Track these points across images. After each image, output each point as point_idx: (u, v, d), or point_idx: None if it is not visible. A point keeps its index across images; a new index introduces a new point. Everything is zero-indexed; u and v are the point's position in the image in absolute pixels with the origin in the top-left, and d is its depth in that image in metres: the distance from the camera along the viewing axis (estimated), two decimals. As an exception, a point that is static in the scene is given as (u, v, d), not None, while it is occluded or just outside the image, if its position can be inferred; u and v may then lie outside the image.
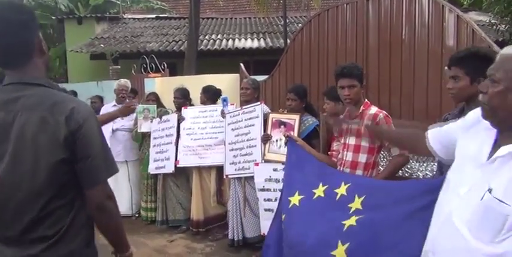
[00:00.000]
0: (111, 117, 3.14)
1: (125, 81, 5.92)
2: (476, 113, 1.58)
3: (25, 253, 1.49)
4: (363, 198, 2.39)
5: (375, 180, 2.80)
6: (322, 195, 2.66)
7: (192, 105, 5.35)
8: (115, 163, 1.64)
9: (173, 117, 5.11)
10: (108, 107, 5.78)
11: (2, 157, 1.48)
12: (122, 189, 5.64)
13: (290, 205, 2.82)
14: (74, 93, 7.80)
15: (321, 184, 2.71)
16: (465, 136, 1.61)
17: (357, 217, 2.32)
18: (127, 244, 1.73)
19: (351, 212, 2.40)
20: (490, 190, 1.33)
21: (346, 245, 2.27)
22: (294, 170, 3.07)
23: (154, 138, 5.27)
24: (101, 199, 1.58)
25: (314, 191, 2.72)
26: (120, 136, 5.66)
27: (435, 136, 1.80)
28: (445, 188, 1.59)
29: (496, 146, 1.42)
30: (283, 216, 2.87)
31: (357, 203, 2.40)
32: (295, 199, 2.82)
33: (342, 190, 2.55)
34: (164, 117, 5.20)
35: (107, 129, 5.57)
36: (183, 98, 5.26)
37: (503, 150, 1.36)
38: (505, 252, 1.30)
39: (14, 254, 1.49)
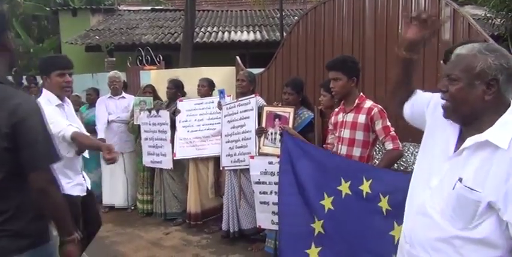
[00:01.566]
0: (92, 145, 3.02)
1: (115, 73, 5.89)
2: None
3: None
4: (387, 197, 2.39)
5: (393, 173, 2.74)
6: (350, 192, 2.60)
7: (184, 96, 5.35)
8: (57, 154, 1.81)
9: (164, 113, 5.09)
10: (103, 99, 5.75)
11: None
12: (118, 181, 5.65)
13: (326, 210, 2.72)
14: None
15: (343, 180, 2.65)
16: (432, 125, 1.66)
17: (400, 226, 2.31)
18: (69, 230, 1.90)
19: (385, 215, 2.39)
20: (460, 179, 1.41)
21: None
22: (302, 167, 2.96)
23: (145, 131, 5.27)
24: (39, 184, 1.75)
25: (339, 188, 2.66)
26: (116, 128, 5.65)
27: (414, 99, 1.83)
28: (414, 181, 1.66)
29: (461, 139, 1.50)
30: (320, 222, 2.73)
31: (384, 203, 2.40)
32: (327, 203, 2.71)
33: (365, 187, 2.52)
34: (153, 112, 5.17)
35: (102, 121, 5.56)
36: (175, 88, 5.28)
37: (469, 141, 1.44)
38: (485, 237, 1.39)
39: None
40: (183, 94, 5.42)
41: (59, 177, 2.86)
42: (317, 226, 2.74)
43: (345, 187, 2.65)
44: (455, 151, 1.49)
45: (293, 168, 3.03)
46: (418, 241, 1.54)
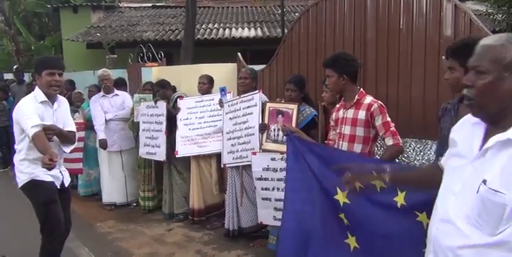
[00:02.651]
0: (40, 151, 2.95)
1: (103, 71, 5.87)
2: (461, 120, 1.59)
3: None
4: (404, 193, 2.36)
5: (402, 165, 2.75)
6: (362, 186, 2.62)
7: (175, 93, 5.39)
8: None
9: (162, 104, 5.10)
10: (97, 99, 5.69)
11: None
12: (116, 178, 5.67)
13: (341, 204, 2.71)
14: (72, 82, 7.78)
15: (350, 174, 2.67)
16: (454, 141, 1.58)
17: (423, 214, 2.29)
18: None
19: (400, 208, 2.37)
20: (484, 181, 1.31)
21: None
22: (309, 164, 2.98)
23: (144, 122, 5.30)
24: None
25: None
26: (114, 126, 5.65)
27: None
28: (441, 188, 1.57)
29: (486, 139, 1.39)
30: (343, 214, 2.72)
31: (401, 198, 2.37)
32: (341, 197, 2.70)
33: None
34: (151, 103, 5.18)
35: (100, 121, 5.57)
36: (161, 89, 5.25)
37: (491, 141, 1.34)
38: (502, 242, 1.29)
39: None
40: (174, 91, 5.47)
41: (30, 164, 3.16)
42: (343, 217, 2.73)
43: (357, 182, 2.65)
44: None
45: (300, 165, 3.05)
46: (441, 248, 1.45)
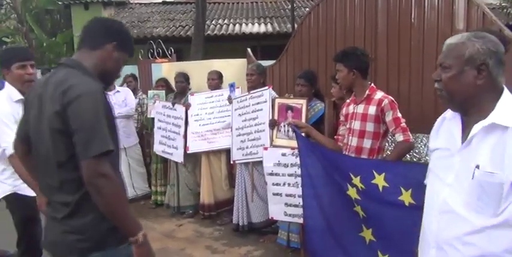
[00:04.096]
0: (26, 183, 2.70)
1: None
2: (437, 121, 1.71)
3: (53, 215, 1.72)
4: (410, 191, 2.35)
5: (406, 165, 2.75)
6: (364, 187, 2.61)
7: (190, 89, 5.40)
8: (108, 141, 1.61)
9: (180, 108, 5.12)
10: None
11: (34, 124, 1.72)
12: (123, 175, 5.70)
13: (354, 200, 2.75)
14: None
15: (352, 175, 2.66)
16: (433, 139, 1.70)
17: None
18: (129, 229, 1.65)
19: (408, 206, 2.35)
20: (477, 166, 1.42)
21: None
22: (318, 160, 3.03)
23: (159, 120, 5.34)
24: (88, 175, 1.56)
25: (354, 182, 2.67)
26: (117, 123, 5.66)
27: None
28: (429, 185, 1.66)
29: (465, 131, 1.52)
30: (358, 207, 2.75)
31: (407, 197, 2.36)
32: (352, 193, 2.73)
33: (379, 180, 2.50)
34: (168, 104, 5.21)
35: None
36: (185, 82, 5.34)
37: (475, 128, 1.45)
38: (505, 220, 1.38)
39: (50, 214, 1.75)
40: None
41: (12, 175, 2.81)
42: (358, 210, 2.76)
43: (357, 182, 2.65)
44: (463, 143, 1.50)
45: (312, 161, 3.08)
46: (445, 240, 1.51)
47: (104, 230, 1.66)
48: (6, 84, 2.92)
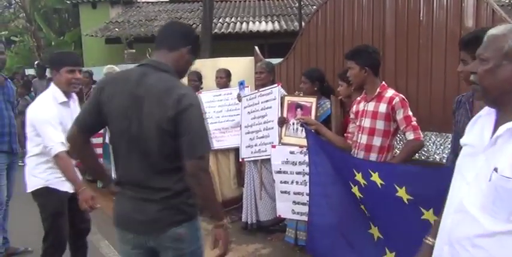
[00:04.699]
0: (69, 180, 2.92)
1: (108, 67, 5.93)
2: (474, 117, 1.62)
3: (147, 197, 1.98)
4: (404, 188, 2.37)
5: (393, 165, 2.79)
6: (366, 183, 2.63)
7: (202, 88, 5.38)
8: (208, 145, 2.02)
9: None
10: None
11: (132, 120, 1.94)
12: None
13: (358, 198, 2.77)
14: (91, 74, 7.85)
15: (355, 171, 2.69)
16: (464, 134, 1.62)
17: (430, 211, 2.31)
18: (218, 215, 2.07)
19: (407, 203, 2.38)
20: (496, 169, 1.34)
21: None
22: (326, 158, 3.06)
23: None
24: (193, 171, 1.90)
25: (357, 179, 2.69)
26: None
27: None
28: (453, 180, 1.59)
29: (497, 127, 1.43)
30: (362, 206, 2.78)
31: (403, 193, 2.39)
32: (356, 191, 2.75)
33: (376, 178, 2.53)
34: None
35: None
36: (198, 81, 5.32)
37: (501, 129, 1.38)
38: None
39: (142, 197, 2.00)
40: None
41: (47, 170, 3.01)
42: (364, 208, 2.78)
43: (360, 178, 2.68)
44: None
45: (320, 159, 3.09)
46: (456, 239, 1.46)
47: (192, 205, 2.04)
48: (52, 84, 3.08)
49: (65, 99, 3.03)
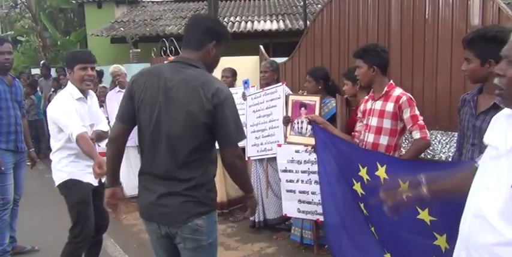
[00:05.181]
0: (88, 155, 2.99)
1: (114, 67, 5.92)
2: (501, 112, 1.52)
3: (170, 190, 2.08)
4: (407, 184, 2.38)
5: (403, 159, 2.80)
6: (369, 178, 2.64)
7: None
8: (243, 134, 2.16)
9: None
10: (113, 95, 5.75)
11: (162, 113, 2.05)
12: (134, 172, 5.72)
13: (360, 195, 2.79)
14: (101, 73, 7.89)
15: (360, 166, 2.70)
16: (488, 131, 1.53)
17: (425, 211, 2.33)
18: (249, 189, 2.33)
19: (406, 200, 2.38)
20: None
21: (444, 235, 2.31)
22: (332, 153, 3.08)
23: None
24: (231, 158, 2.09)
25: (360, 174, 2.71)
26: None
27: None
28: (474, 182, 1.50)
29: None
30: (362, 204, 2.82)
31: (404, 188, 2.38)
32: (358, 188, 2.78)
33: (381, 172, 2.54)
34: None
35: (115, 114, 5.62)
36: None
37: None
38: None
39: (163, 191, 2.08)
40: None
41: (69, 163, 3.15)
42: (362, 207, 2.80)
43: (363, 173, 2.69)
44: None
45: (328, 157, 3.11)
46: (474, 246, 1.39)
47: (213, 198, 2.17)
48: (69, 83, 3.24)
49: (81, 95, 3.17)
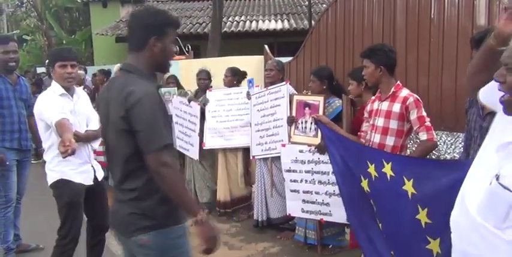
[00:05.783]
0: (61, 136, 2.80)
1: (118, 66, 5.95)
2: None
3: (121, 198, 1.99)
4: (412, 181, 2.38)
5: (408, 157, 2.81)
6: (377, 175, 2.64)
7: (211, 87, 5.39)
8: (163, 138, 1.86)
9: (195, 106, 5.13)
10: None
11: (105, 125, 2.01)
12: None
13: (366, 192, 2.80)
14: (108, 72, 7.91)
15: (368, 163, 2.71)
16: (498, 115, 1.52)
17: (424, 211, 2.32)
18: (190, 210, 1.91)
19: (411, 198, 2.39)
20: (497, 176, 1.28)
21: (438, 239, 2.28)
22: (340, 152, 3.09)
23: (177, 115, 5.32)
24: (153, 167, 1.83)
25: (369, 171, 2.71)
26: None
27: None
28: (471, 167, 1.53)
29: None
30: (371, 200, 2.82)
31: (409, 186, 2.39)
32: (365, 185, 2.78)
33: (387, 169, 2.54)
34: (184, 100, 5.22)
35: None
36: (208, 79, 5.32)
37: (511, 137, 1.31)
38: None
39: (118, 198, 2.03)
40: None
41: (60, 163, 3.07)
42: (372, 203, 2.81)
43: (372, 170, 2.69)
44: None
45: (336, 155, 3.12)
46: (456, 227, 1.47)
47: (164, 211, 1.93)
48: (53, 81, 3.23)
49: (63, 91, 3.13)
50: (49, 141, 3.13)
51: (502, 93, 1.39)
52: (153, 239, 1.91)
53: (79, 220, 3.15)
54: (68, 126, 2.83)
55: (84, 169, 3.18)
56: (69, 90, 3.18)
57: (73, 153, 2.51)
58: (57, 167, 3.13)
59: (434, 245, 2.30)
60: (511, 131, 1.37)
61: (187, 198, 1.95)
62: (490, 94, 1.57)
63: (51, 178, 3.16)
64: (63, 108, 3.03)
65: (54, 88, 3.15)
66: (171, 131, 1.97)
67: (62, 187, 3.11)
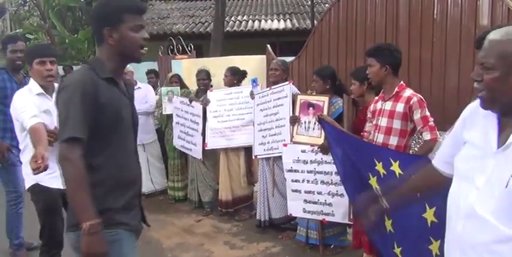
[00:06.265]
0: (36, 143, 2.64)
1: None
2: (470, 107, 1.56)
3: None
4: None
5: (414, 155, 2.83)
6: (385, 173, 2.65)
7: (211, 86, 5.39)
8: (69, 130, 1.69)
9: (197, 106, 5.13)
10: None
11: None
12: (152, 169, 5.78)
13: (375, 189, 2.75)
14: None
15: (376, 160, 2.72)
16: (467, 128, 1.54)
17: (432, 209, 2.34)
18: (80, 214, 1.69)
19: (419, 196, 2.39)
20: None
21: (439, 241, 2.30)
22: (345, 150, 3.09)
23: (177, 115, 5.34)
24: (58, 157, 1.72)
25: (377, 169, 2.72)
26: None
27: (443, 159, 1.69)
28: (455, 183, 1.52)
29: (502, 132, 1.37)
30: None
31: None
32: (373, 182, 2.78)
33: (395, 167, 2.56)
34: (185, 100, 5.22)
35: None
36: (208, 79, 5.33)
37: None
38: None
39: None
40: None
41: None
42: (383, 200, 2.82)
43: (380, 167, 2.69)
44: (498, 146, 1.36)
45: (340, 154, 3.13)
46: (470, 245, 1.40)
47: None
48: (31, 79, 3.05)
49: (41, 91, 2.94)
50: (24, 143, 2.99)
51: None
52: (79, 239, 1.71)
53: (58, 224, 3.00)
54: (42, 134, 2.64)
55: (60, 173, 3.05)
56: (48, 89, 2.99)
57: (45, 169, 2.33)
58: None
59: (434, 246, 2.30)
60: (494, 133, 1.39)
61: (81, 201, 1.68)
62: (448, 156, 1.61)
63: (27, 182, 3.04)
64: (39, 108, 2.85)
65: (31, 87, 2.96)
66: (107, 127, 1.79)
67: (38, 192, 2.99)
